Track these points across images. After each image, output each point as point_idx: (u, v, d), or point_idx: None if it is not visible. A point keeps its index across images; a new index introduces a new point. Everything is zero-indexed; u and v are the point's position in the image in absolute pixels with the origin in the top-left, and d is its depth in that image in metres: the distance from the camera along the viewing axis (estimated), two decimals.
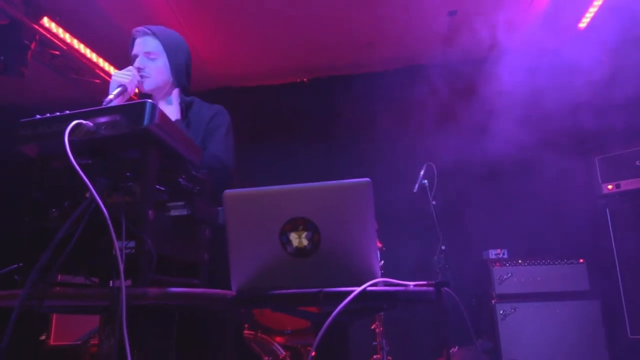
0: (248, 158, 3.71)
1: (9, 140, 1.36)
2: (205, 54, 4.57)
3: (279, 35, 4.38)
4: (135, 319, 1.10)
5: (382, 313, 3.16)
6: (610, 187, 3.73)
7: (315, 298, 1.14)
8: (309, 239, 1.18)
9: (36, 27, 3.62)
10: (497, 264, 3.68)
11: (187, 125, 1.94)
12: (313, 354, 1.16)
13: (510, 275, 3.63)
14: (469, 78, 3.99)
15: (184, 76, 2.02)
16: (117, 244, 1.03)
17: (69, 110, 1.19)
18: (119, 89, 1.76)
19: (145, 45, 1.95)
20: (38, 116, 1.21)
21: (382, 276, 1.19)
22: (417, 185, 3.46)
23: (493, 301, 3.60)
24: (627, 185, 3.65)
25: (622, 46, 3.49)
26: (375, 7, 3.98)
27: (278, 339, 3.30)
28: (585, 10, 3.88)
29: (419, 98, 4.10)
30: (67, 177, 1.16)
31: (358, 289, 1.11)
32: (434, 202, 3.40)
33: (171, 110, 1.98)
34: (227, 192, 1.22)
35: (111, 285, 1.08)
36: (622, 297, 3.52)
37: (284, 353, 3.11)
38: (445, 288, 1.23)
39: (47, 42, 3.84)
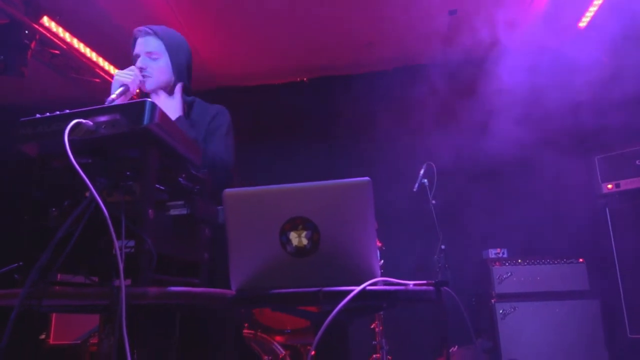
0: (248, 158, 3.71)
1: (9, 139, 1.37)
2: (205, 54, 4.56)
3: (279, 35, 4.38)
4: (135, 318, 1.10)
5: (381, 312, 3.16)
6: (610, 186, 3.73)
7: (315, 297, 1.14)
8: (309, 238, 1.18)
9: (36, 26, 3.62)
10: (497, 264, 3.68)
11: (192, 125, 1.94)
12: (313, 353, 1.17)
13: (509, 275, 3.63)
14: (469, 77, 3.99)
15: (185, 76, 2.02)
16: (117, 243, 1.03)
17: (69, 109, 1.19)
18: (121, 89, 1.76)
19: (147, 45, 1.95)
20: (38, 115, 1.21)
21: (382, 275, 1.20)
22: (417, 185, 3.46)
23: (493, 300, 3.60)
24: (627, 184, 3.65)
25: (622, 45, 3.49)
26: (375, 7, 3.98)
27: (278, 338, 3.30)
28: (586, 9, 3.88)
29: (418, 98, 4.10)
30: (67, 176, 1.16)
31: (358, 288, 1.11)
32: (433, 202, 3.40)
33: (174, 104, 1.97)
34: (227, 191, 1.22)
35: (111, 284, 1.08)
36: (622, 297, 3.52)
37: (283, 352, 3.11)
38: (445, 287, 1.23)
39: (47, 42, 3.84)
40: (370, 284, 1.13)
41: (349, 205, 1.18)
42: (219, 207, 1.40)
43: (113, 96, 1.70)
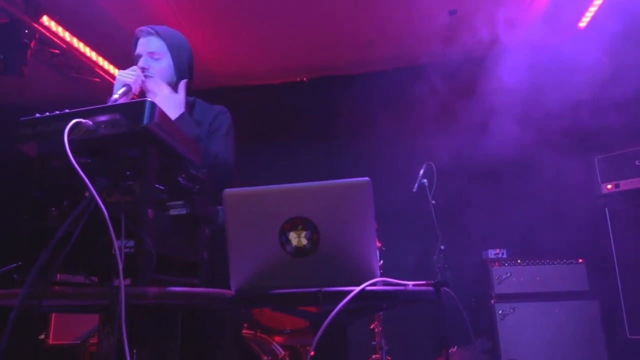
0: (248, 158, 3.71)
1: (9, 139, 1.36)
2: (205, 54, 4.56)
3: (279, 35, 4.38)
4: (134, 318, 1.10)
5: (381, 313, 3.17)
6: (609, 186, 3.73)
7: (315, 297, 1.14)
8: (308, 239, 1.18)
9: (36, 25, 3.62)
10: (496, 264, 3.68)
11: (197, 124, 1.93)
12: (312, 353, 1.17)
13: (509, 275, 3.63)
14: (469, 77, 3.99)
15: (187, 76, 2.02)
16: (116, 243, 1.03)
17: (69, 109, 1.19)
18: (123, 89, 1.75)
19: (149, 45, 1.94)
20: (38, 115, 1.20)
21: (382, 276, 1.19)
22: (416, 185, 3.46)
23: (492, 301, 3.60)
24: (626, 185, 3.65)
25: (622, 46, 3.49)
26: (375, 7, 3.98)
27: (277, 338, 3.30)
28: (586, 9, 3.88)
29: (418, 97, 4.10)
30: (67, 176, 1.16)
31: (357, 289, 1.11)
32: (433, 202, 3.40)
33: (179, 99, 1.95)
34: (227, 191, 1.22)
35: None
36: (621, 297, 3.52)
37: (283, 352, 3.11)
38: (445, 288, 1.23)
39: (47, 41, 3.84)
40: (370, 285, 1.13)
41: (348, 206, 1.18)
42: (219, 207, 1.40)
43: (116, 96, 1.70)
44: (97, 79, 4.48)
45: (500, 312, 3.55)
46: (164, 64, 1.95)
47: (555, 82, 3.66)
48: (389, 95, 4.59)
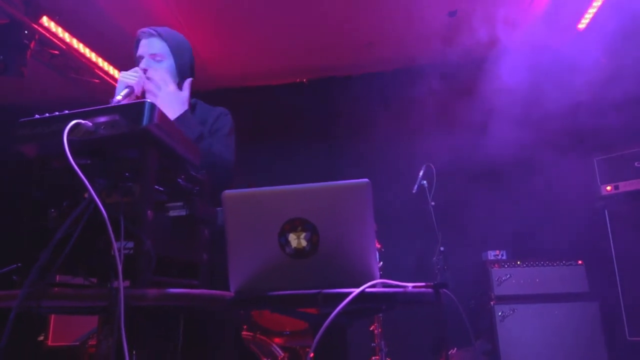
0: (248, 158, 3.71)
1: (8, 139, 1.36)
2: (205, 54, 4.57)
3: (279, 35, 4.38)
4: (134, 319, 1.10)
5: (380, 314, 3.16)
6: (609, 188, 3.73)
7: (314, 299, 1.14)
8: (308, 240, 1.18)
9: (35, 26, 3.62)
10: (496, 265, 3.68)
11: (202, 123, 1.93)
12: (312, 355, 1.16)
13: (509, 277, 3.63)
14: (468, 78, 4.00)
15: (188, 77, 2.02)
16: (115, 245, 1.03)
17: (69, 109, 1.19)
18: (126, 90, 1.75)
19: (151, 47, 1.94)
20: (37, 116, 1.20)
21: (381, 277, 1.19)
22: (416, 186, 3.47)
23: (492, 302, 3.60)
24: (626, 186, 3.65)
25: (621, 47, 3.49)
26: (375, 7, 3.98)
27: (277, 340, 3.30)
28: (585, 11, 3.88)
29: (418, 98, 4.11)
30: (66, 176, 1.16)
31: (357, 290, 1.11)
32: (432, 203, 3.40)
33: (184, 97, 1.93)
34: (226, 192, 1.22)
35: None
36: (621, 299, 3.52)
37: (282, 354, 3.11)
38: (444, 289, 1.23)
39: (47, 42, 3.84)
40: (369, 286, 1.13)
41: (348, 207, 1.18)
42: (218, 209, 1.40)
43: (119, 97, 1.70)
44: (96, 80, 4.48)
45: (499, 313, 3.54)
46: (166, 65, 1.95)
47: (554, 83, 3.66)
48: (388, 96, 4.59)
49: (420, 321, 4.09)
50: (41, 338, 3.52)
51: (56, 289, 1.10)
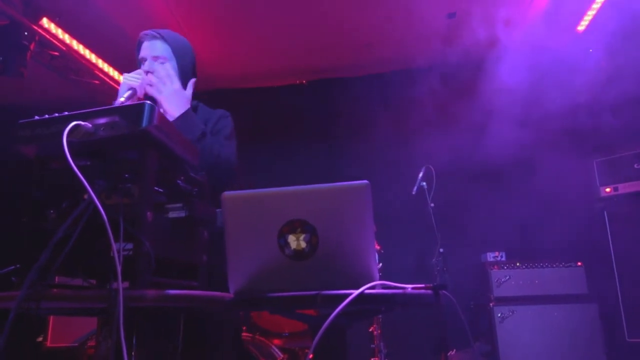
0: (248, 158, 3.70)
1: (8, 140, 1.36)
2: (205, 55, 4.57)
3: (279, 35, 4.39)
4: (133, 320, 1.10)
5: (380, 316, 3.16)
6: (608, 190, 3.73)
7: (313, 301, 1.14)
8: (307, 242, 1.18)
9: (35, 27, 3.62)
10: (495, 267, 3.68)
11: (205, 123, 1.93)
12: (311, 356, 1.16)
13: (508, 278, 3.63)
14: (468, 79, 4.00)
15: (190, 79, 2.02)
16: (115, 246, 1.03)
17: (68, 110, 1.19)
18: (129, 92, 1.75)
19: (154, 49, 1.94)
20: (37, 117, 1.20)
21: (380, 279, 1.19)
22: (415, 188, 3.47)
23: (491, 304, 3.60)
24: (625, 188, 3.66)
25: (620, 49, 3.50)
26: (375, 8, 3.99)
27: (276, 341, 3.30)
28: (584, 13, 3.89)
29: (418, 98, 4.11)
30: (66, 177, 1.16)
31: (356, 292, 1.11)
32: (432, 205, 3.41)
33: (187, 96, 1.93)
34: (226, 193, 1.22)
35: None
36: (620, 300, 3.52)
37: (281, 356, 3.11)
38: (443, 291, 1.23)
39: (47, 43, 3.84)
40: (369, 288, 1.13)
41: (347, 209, 1.18)
42: (218, 210, 1.40)
43: (122, 99, 1.70)
44: (96, 81, 4.48)
45: (499, 315, 3.54)
46: (169, 67, 1.94)
47: (554, 85, 3.67)
48: (388, 97, 4.60)
49: (419, 322, 4.09)
50: (40, 339, 3.51)
51: (55, 290, 1.10)
